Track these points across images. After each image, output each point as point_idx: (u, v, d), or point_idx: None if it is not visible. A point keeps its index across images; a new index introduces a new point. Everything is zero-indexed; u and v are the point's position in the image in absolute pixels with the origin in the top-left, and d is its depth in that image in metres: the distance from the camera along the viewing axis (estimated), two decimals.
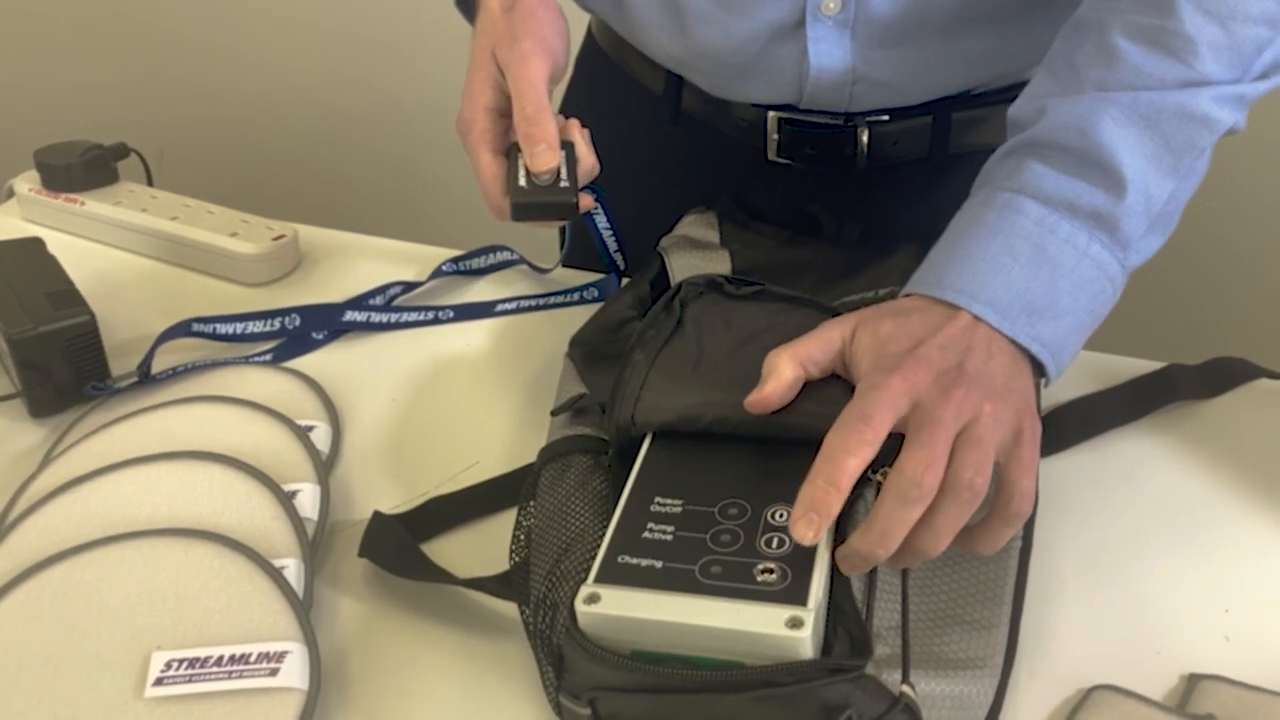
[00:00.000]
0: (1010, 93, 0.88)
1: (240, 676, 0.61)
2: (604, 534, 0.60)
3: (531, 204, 0.75)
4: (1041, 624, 0.67)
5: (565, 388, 0.78)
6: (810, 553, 0.58)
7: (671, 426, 0.66)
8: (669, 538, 0.60)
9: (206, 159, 2.16)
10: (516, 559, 0.67)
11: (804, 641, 0.54)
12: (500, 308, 0.96)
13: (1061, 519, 0.75)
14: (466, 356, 0.91)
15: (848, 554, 0.58)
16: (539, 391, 0.86)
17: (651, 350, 0.70)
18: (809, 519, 0.57)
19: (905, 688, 0.57)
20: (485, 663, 0.66)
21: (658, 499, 0.62)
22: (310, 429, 0.81)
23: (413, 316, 0.94)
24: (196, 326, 0.89)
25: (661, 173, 1.00)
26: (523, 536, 0.68)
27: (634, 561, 0.58)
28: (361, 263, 1.02)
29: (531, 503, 0.69)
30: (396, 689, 0.65)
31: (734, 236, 0.91)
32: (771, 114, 0.92)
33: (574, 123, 0.78)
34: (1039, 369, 0.68)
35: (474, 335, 0.93)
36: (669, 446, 0.66)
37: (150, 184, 1.11)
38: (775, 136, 0.92)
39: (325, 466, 0.79)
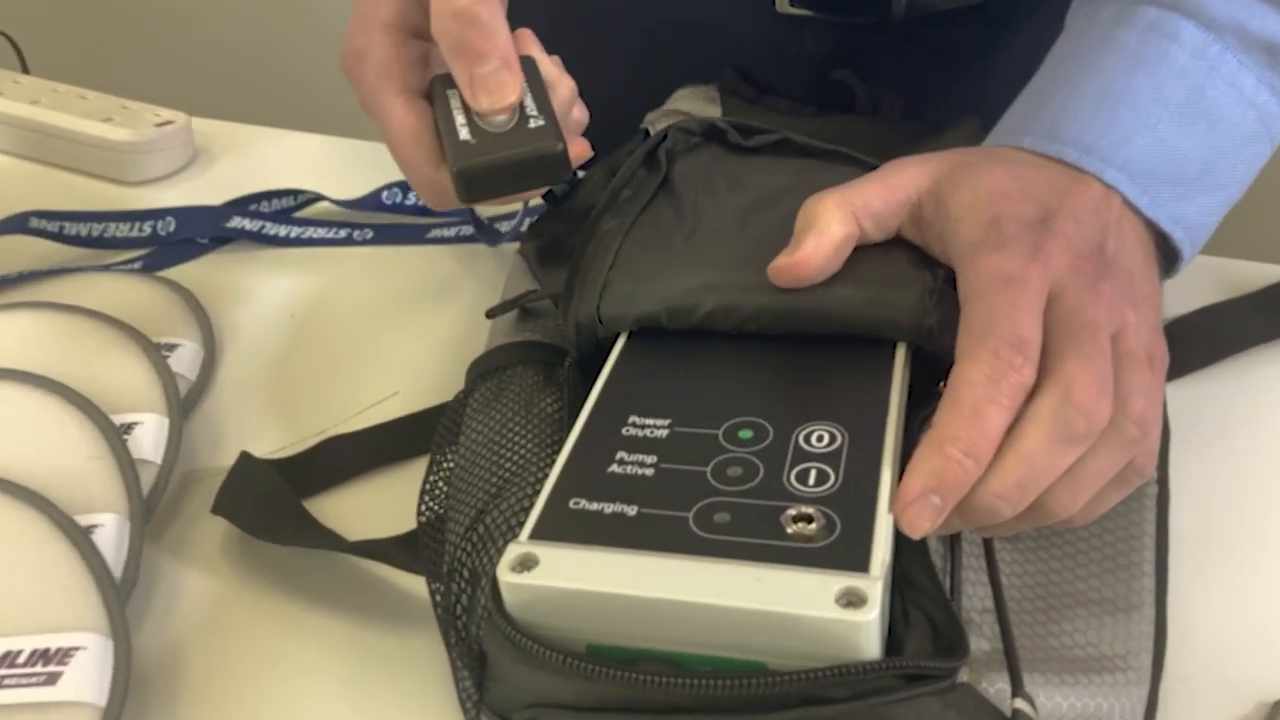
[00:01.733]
0: None
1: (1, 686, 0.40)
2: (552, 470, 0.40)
3: (490, 166, 0.46)
4: (1176, 605, 0.46)
5: (512, 288, 0.57)
6: (870, 492, 0.37)
7: (654, 320, 0.45)
8: (649, 472, 0.39)
9: (96, 48, 1.86)
10: (428, 514, 0.46)
11: (867, 629, 0.33)
12: (434, 234, 0.74)
13: (1185, 464, 0.54)
14: (391, 267, 0.71)
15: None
16: (482, 307, 0.65)
17: (626, 217, 0.49)
18: (927, 504, 0.37)
19: (1019, 703, 0.36)
20: (383, 664, 0.46)
21: (634, 419, 0.41)
22: (171, 348, 0.60)
23: (320, 233, 0.73)
24: (35, 223, 0.68)
25: (640, 44, 0.79)
26: (440, 483, 0.47)
27: (593, 507, 0.38)
28: (277, 163, 0.81)
29: (456, 437, 0.49)
30: (252, 701, 0.44)
31: (740, 110, 0.70)
32: None
33: (525, 32, 0.53)
34: (1166, 260, 0.48)
35: (403, 254, 0.72)
36: (651, 349, 0.45)
37: (26, 72, 0.90)
38: None
39: (188, 395, 0.58)
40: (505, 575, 0.35)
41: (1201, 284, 0.65)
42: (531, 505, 0.38)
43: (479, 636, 0.38)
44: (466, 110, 0.48)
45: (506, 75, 0.47)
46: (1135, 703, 0.40)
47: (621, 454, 0.40)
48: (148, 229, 0.71)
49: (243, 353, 0.63)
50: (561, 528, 0.37)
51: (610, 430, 0.41)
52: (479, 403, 0.49)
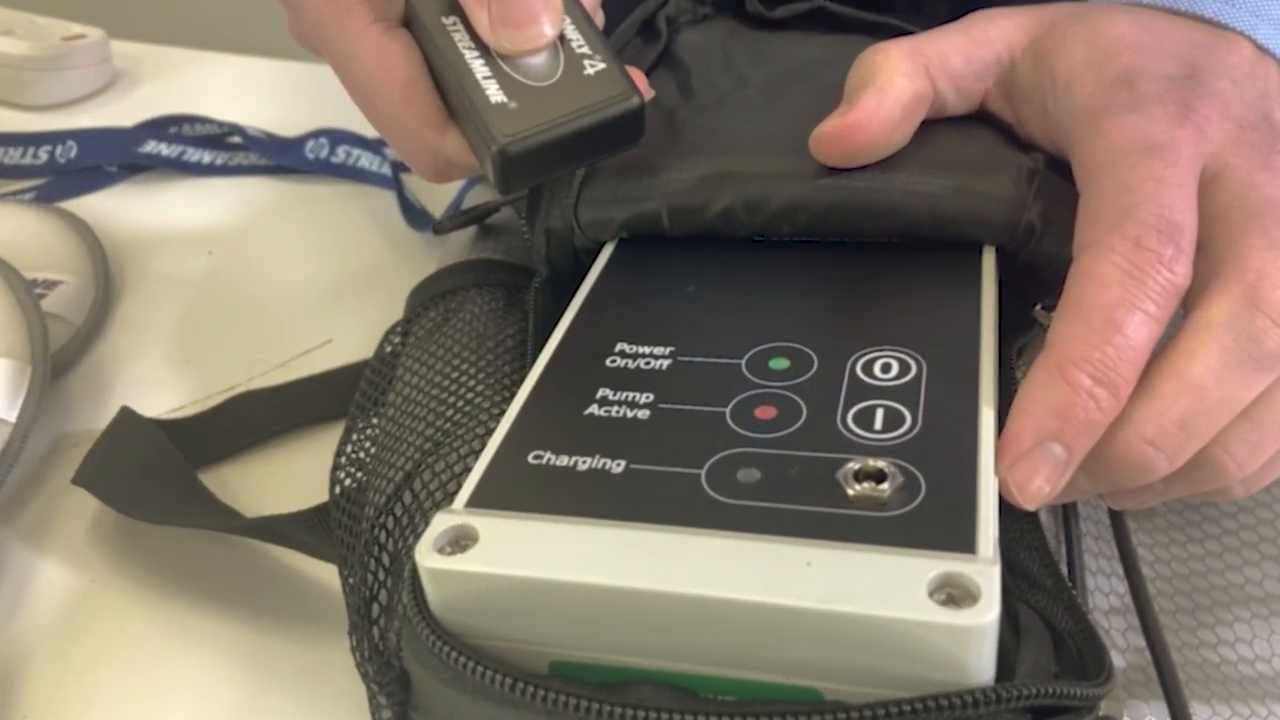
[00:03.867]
0: None
1: None
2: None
3: (549, 143, 0.32)
4: None
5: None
6: (965, 439, 0.26)
7: (651, 222, 0.34)
8: (643, 414, 0.27)
9: None
10: (346, 483, 0.34)
11: (979, 637, 0.21)
12: (390, 152, 0.62)
13: None
14: (333, 198, 0.59)
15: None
16: (436, 243, 0.53)
17: None
18: (1045, 456, 0.25)
19: None
20: (286, 680, 0.34)
21: (622, 346, 0.30)
22: (50, 285, 0.48)
23: (249, 159, 0.61)
24: None
25: None
26: (365, 442, 0.36)
27: (562, 462, 0.26)
28: (209, 89, 0.69)
29: (382, 400, 0.37)
30: None
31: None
32: None
33: None
34: None
35: (343, 188, 0.60)
36: (646, 260, 0.34)
37: None
38: None
39: (68, 342, 0.47)
40: (428, 558, 0.24)
41: None
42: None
43: (400, 647, 0.27)
44: (483, 50, 0.33)
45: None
46: None
47: (604, 391, 0.28)
48: (44, 155, 0.60)
49: (147, 295, 0.51)
50: (514, 491, 0.25)
51: (589, 361, 0.30)
52: (419, 337, 0.37)
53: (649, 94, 0.35)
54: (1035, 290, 0.32)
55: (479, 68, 0.33)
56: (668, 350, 0.30)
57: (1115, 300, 0.26)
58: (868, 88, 0.32)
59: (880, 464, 0.25)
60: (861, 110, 0.31)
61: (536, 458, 0.26)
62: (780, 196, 0.32)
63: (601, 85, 0.32)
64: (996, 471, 0.25)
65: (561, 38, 0.33)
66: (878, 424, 0.26)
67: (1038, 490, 0.25)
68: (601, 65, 0.33)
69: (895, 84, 0.32)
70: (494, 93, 0.32)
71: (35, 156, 0.60)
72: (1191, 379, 0.26)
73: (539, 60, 0.33)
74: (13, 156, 0.59)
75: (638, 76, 0.34)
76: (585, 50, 0.33)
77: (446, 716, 0.25)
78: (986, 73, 0.33)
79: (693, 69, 0.39)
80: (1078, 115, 0.31)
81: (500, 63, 0.33)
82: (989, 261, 0.31)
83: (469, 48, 0.33)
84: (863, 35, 0.41)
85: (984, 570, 0.22)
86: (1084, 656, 0.25)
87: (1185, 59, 0.32)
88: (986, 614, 0.21)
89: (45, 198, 0.58)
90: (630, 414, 0.27)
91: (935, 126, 0.33)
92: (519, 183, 0.33)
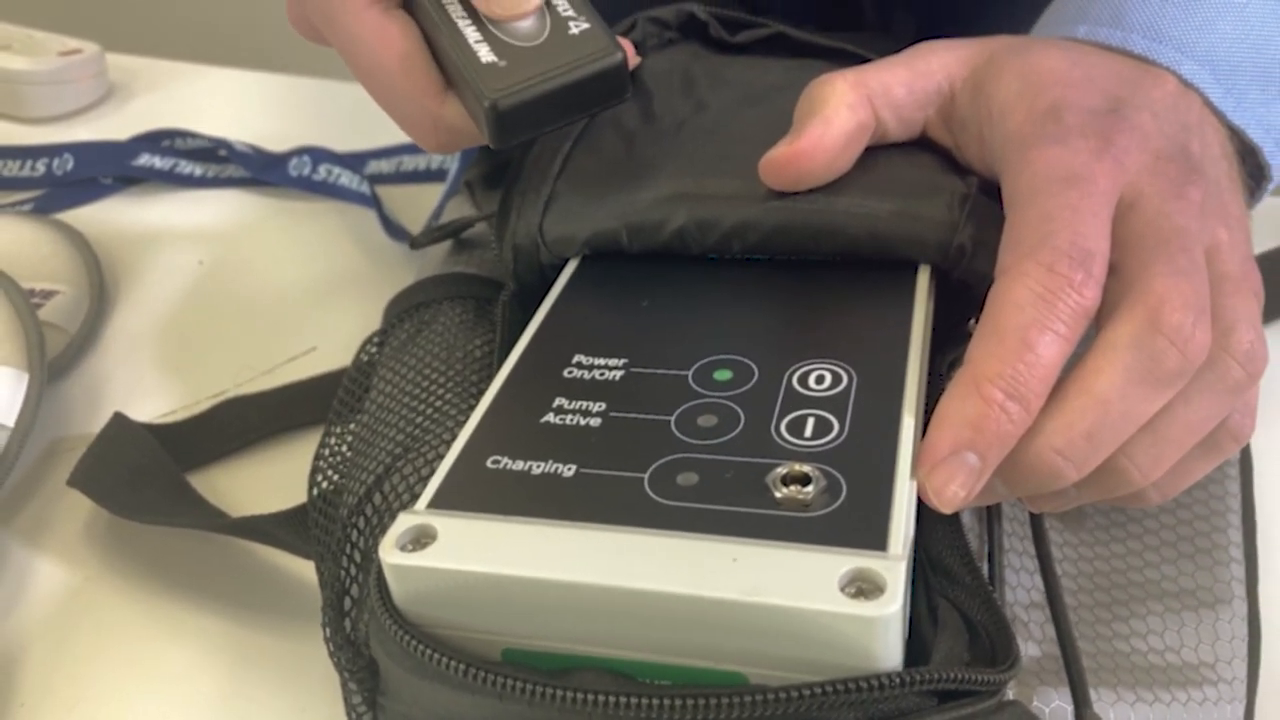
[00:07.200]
0: None
1: None
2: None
3: (536, 98, 0.34)
4: (1271, 600, 0.37)
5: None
6: (886, 446, 0.28)
7: (611, 240, 0.36)
8: (594, 422, 0.30)
9: None
10: (323, 485, 0.37)
11: (884, 626, 0.24)
12: (371, 168, 0.64)
13: (1263, 433, 0.45)
14: (320, 209, 0.61)
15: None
16: (416, 256, 0.56)
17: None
18: (960, 464, 0.28)
19: None
20: (268, 670, 0.36)
21: (580, 358, 0.32)
22: (46, 295, 0.50)
23: (240, 172, 0.63)
24: None
25: None
26: (343, 447, 0.38)
27: (518, 466, 0.28)
28: (202, 102, 0.71)
29: (358, 406, 0.39)
30: (106, 715, 0.35)
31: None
32: None
33: None
34: (1250, 180, 0.39)
35: (327, 201, 0.62)
36: (606, 275, 0.36)
37: None
38: None
39: (64, 350, 0.49)
40: (390, 555, 0.26)
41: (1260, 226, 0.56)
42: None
43: (368, 638, 0.29)
44: (474, 16, 0.36)
45: None
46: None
47: (560, 400, 0.31)
48: (42, 168, 0.62)
49: (140, 303, 0.54)
50: (472, 493, 0.28)
51: (548, 371, 0.32)
52: (394, 347, 0.39)
53: (634, 57, 0.36)
54: (969, 307, 0.34)
55: (471, 34, 0.36)
56: (621, 362, 0.32)
57: (1028, 321, 0.28)
58: (814, 117, 0.34)
59: (806, 469, 0.27)
60: (807, 139, 0.33)
61: (495, 462, 0.29)
62: (731, 217, 0.35)
63: (585, 43, 0.35)
64: (915, 477, 0.27)
65: (548, 2, 0.36)
66: (808, 431, 0.28)
67: (953, 495, 0.28)
68: (585, 25, 0.36)
69: (840, 114, 0.34)
70: (485, 54, 0.35)
71: (33, 169, 0.62)
72: (1097, 394, 0.28)
73: (527, 24, 0.36)
74: (11, 169, 0.61)
75: (626, 42, 0.36)
76: (570, 13, 0.36)
77: (410, 701, 0.28)
78: (928, 102, 0.36)
79: (655, 93, 0.41)
80: (1009, 143, 0.33)
81: (491, 28, 0.36)
82: (923, 280, 0.34)
83: (462, 17, 0.36)
84: (821, 60, 0.43)
85: (891, 566, 0.24)
86: (995, 646, 0.27)
87: (1110, 93, 0.34)
88: (890, 605, 0.23)
89: (42, 209, 0.60)
90: (583, 422, 0.30)
91: (878, 152, 0.35)
92: (512, 137, 0.35)
